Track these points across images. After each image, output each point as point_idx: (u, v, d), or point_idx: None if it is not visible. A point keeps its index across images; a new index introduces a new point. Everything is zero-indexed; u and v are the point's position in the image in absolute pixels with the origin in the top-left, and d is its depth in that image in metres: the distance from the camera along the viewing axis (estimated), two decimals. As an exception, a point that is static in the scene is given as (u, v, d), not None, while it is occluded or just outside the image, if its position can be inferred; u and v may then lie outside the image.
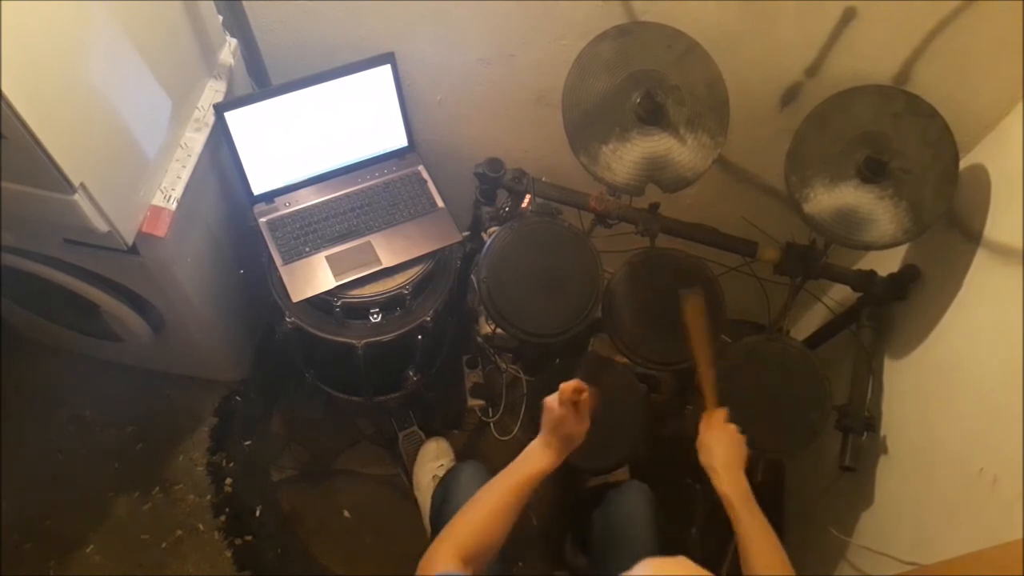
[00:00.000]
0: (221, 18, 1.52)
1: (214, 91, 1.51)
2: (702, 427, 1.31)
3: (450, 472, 1.45)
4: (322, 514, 1.90)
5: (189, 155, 1.43)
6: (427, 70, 1.65)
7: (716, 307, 1.47)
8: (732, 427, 1.29)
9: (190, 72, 1.46)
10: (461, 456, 2.00)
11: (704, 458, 1.26)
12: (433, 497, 1.48)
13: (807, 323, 1.98)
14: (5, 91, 0.94)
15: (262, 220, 1.60)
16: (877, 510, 1.46)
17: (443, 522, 1.30)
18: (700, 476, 1.96)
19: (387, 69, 1.59)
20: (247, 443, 1.98)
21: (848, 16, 1.33)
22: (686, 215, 1.54)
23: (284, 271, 1.54)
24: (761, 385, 1.48)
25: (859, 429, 1.44)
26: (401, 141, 1.70)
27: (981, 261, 1.32)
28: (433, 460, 1.88)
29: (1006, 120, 1.36)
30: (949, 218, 1.42)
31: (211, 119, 1.48)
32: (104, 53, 1.16)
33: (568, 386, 1.12)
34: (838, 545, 1.55)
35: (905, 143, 1.33)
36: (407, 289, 1.56)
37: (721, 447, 1.25)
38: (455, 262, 1.71)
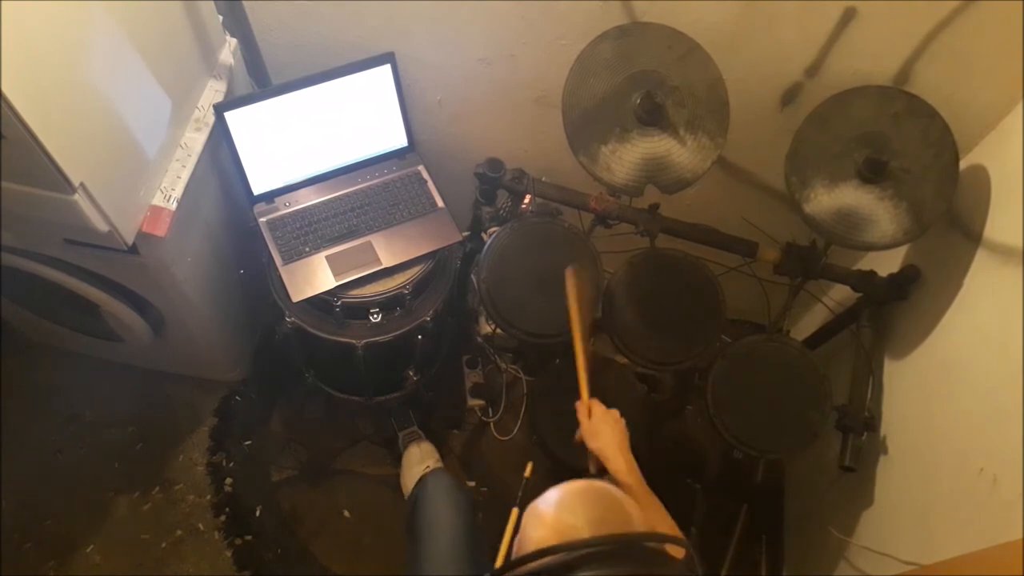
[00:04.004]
0: (221, 18, 1.52)
1: (214, 91, 1.51)
2: (581, 416, 1.28)
3: (418, 484, 1.45)
4: (322, 514, 1.90)
5: (189, 155, 1.43)
6: (427, 70, 1.65)
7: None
8: (614, 411, 1.28)
9: (190, 72, 1.46)
10: (461, 456, 2.00)
11: (593, 443, 1.23)
12: (405, 508, 1.48)
13: (807, 323, 1.98)
14: (5, 91, 0.94)
15: (262, 220, 1.60)
16: (877, 510, 1.46)
17: (417, 532, 1.31)
18: (700, 476, 1.98)
19: (387, 69, 1.59)
20: (247, 443, 1.98)
21: (848, 16, 1.33)
22: (686, 215, 1.55)
23: (284, 271, 1.54)
24: (761, 385, 1.48)
25: (859, 429, 1.44)
26: (401, 141, 1.70)
27: (981, 261, 1.32)
28: (418, 464, 1.88)
29: (1006, 120, 1.36)
30: (949, 218, 1.42)
31: (211, 119, 1.48)
32: (104, 53, 1.16)
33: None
34: (838, 545, 1.56)
35: (905, 143, 1.33)
36: (407, 289, 1.56)
37: (608, 430, 1.23)
38: (455, 262, 1.71)
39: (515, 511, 1.18)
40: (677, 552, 0.82)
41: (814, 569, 1.67)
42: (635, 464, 1.20)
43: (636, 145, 1.37)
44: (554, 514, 0.83)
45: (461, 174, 1.67)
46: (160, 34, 1.31)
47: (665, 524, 1.12)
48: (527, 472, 1.29)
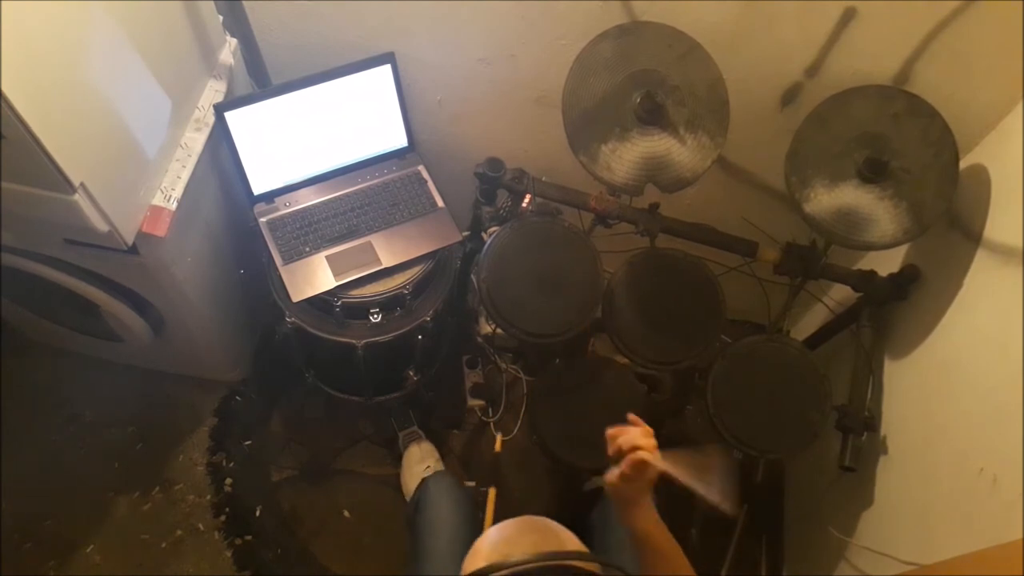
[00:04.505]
0: (221, 18, 1.52)
1: (214, 91, 1.51)
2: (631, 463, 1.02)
3: (420, 486, 1.45)
4: (322, 514, 1.90)
5: (189, 155, 1.44)
6: (427, 70, 1.65)
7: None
8: (658, 461, 1.05)
9: (190, 72, 1.46)
10: (461, 456, 2.00)
11: (615, 495, 1.04)
12: (406, 509, 1.48)
13: (807, 323, 1.98)
14: (5, 91, 0.94)
15: (262, 220, 1.60)
16: (877, 510, 1.46)
17: (418, 532, 1.31)
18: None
19: (387, 69, 1.59)
20: (247, 443, 1.98)
21: (848, 16, 1.33)
22: (686, 215, 1.54)
23: (284, 271, 1.54)
24: (761, 385, 1.48)
25: (859, 429, 1.44)
26: (401, 141, 1.70)
27: (981, 261, 1.32)
28: (418, 464, 1.88)
29: (1006, 120, 1.36)
30: (949, 218, 1.42)
31: (211, 119, 1.48)
32: (104, 53, 1.16)
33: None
34: (838, 545, 1.55)
35: (905, 143, 1.33)
36: (407, 289, 1.56)
37: (643, 488, 1.03)
38: (455, 262, 1.71)
39: (492, 490, 1.17)
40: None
41: (814, 569, 1.67)
42: (651, 507, 1.06)
43: (636, 144, 1.37)
44: (490, 546, 0.87)
45: (461, 174, 1.67)
46: (160, 34, 1.31)
47: (679, 563, 1.03)
48: (497, 446, 1.27)
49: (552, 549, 0.83)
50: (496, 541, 0.87)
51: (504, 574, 0.78)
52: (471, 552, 0.89)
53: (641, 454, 0.99)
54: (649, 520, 1.03)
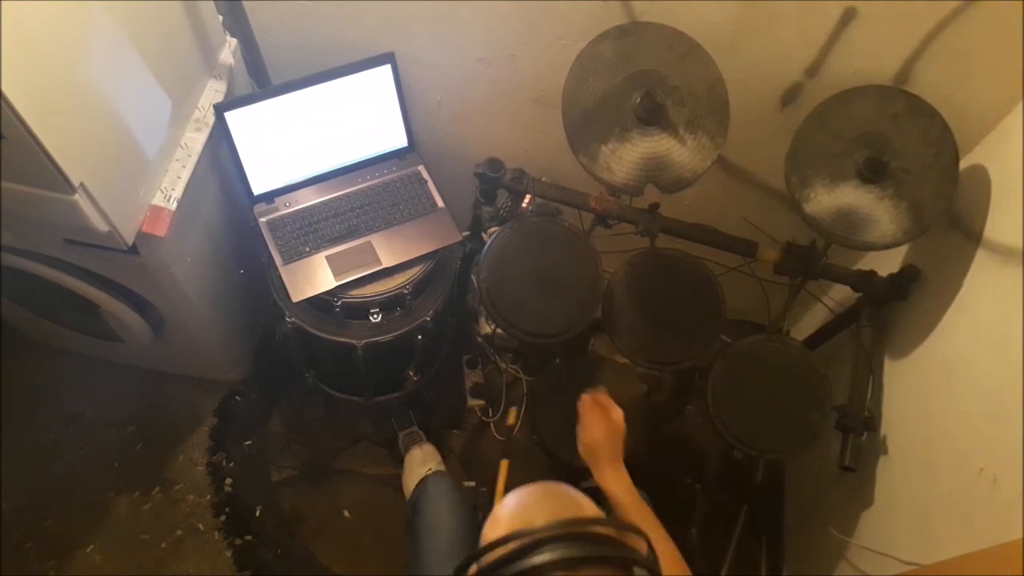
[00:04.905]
0: (221, 18, 1.52)
1: (214, 91, 1.51)
2: (585, 408, 1.20)
3: (418, 486, 1.45)
4: (322, 514, 1.90)
5: (189, 155, 1.44)
6: (427, 70, 1.65)
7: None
8: (618, 412, 1.20)
9: (190, 72, 1.46)
10: (461, 456, 2.00)
11: (586, 451, 1.18)
12: (405, 510, 1.48)
13: (807, 323, 1.98)
14: (5, 91, 0.94)
15: (262, 220, 1.60)
16: (877, 510, 1.46)
17: (417, 533, 1.31)
18: (700, 476, 1.98)
19: (387, 69, 1.59)
20: (247, 443, 1.98)
21: (848, 16, 1.34)
22: (686, 215, 1.54)
23: (284, 271, 1.54)
24: (761, 385, 1.48)
25: (859, 429, 1.44)
26: (401, 141, 1.70)
27: (981, 261, 1.32)
28: (420, 466, 1.87)
29: (1006, 120, 1.36)
30: (949, 218, 1.42)
31: (211, 119, 1.48)
32: (104, 53, 1.16)
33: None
34: (838, 545, 1.56)
35: (905, 143, 1.33)
36: (407, 289, 1.56)
37: (608, 439, 1.18)
38: (455, 262, 1.71)
39: (504, 463, 1.17)
40: (639, 544, 0.83)
41: (814, 569, 1.67)
42: (627, 476, 1.16)
43: (636, 145, 1.37)
44: (509, 514, 0.86)
45: (461, 174, 1.67)
46: (160, 34, 1.31)
47: (657, 534, 1.09)
48: (510, 420, 1.25)
49: (571, 515, 0.83)
50: (515, 509, 0.87)
51: (525, 542, 0.77)
52: (490, 520, 0.88)
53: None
54: (620, 484, 1.14)
